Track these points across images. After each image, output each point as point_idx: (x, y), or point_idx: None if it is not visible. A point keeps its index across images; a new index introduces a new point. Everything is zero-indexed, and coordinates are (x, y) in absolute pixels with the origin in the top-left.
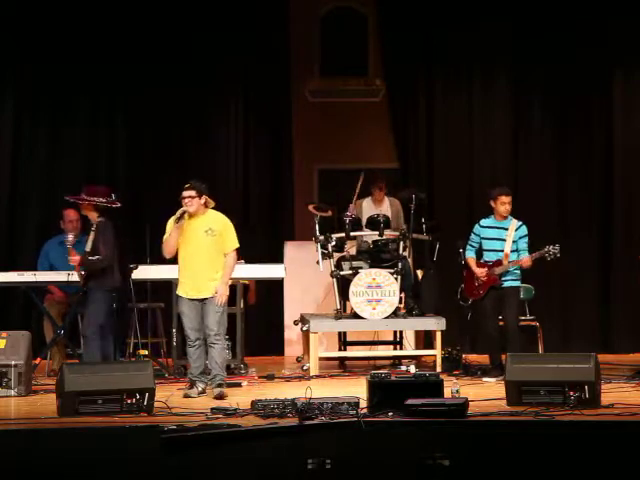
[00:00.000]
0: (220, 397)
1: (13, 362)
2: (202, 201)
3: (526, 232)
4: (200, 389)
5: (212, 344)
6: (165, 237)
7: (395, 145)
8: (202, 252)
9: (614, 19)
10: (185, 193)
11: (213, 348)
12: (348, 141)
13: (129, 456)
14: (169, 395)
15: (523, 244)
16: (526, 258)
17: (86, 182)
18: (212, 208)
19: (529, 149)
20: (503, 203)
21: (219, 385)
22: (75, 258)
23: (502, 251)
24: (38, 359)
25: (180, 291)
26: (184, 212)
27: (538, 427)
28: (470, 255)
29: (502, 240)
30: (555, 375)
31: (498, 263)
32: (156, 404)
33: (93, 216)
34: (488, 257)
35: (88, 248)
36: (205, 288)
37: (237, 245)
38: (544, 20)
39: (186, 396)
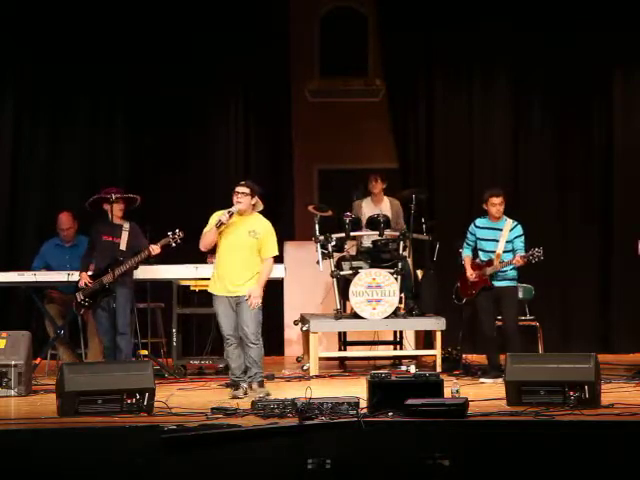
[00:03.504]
0: (267, 395)
1: (13, 362)
2: (253, 201)
3: (521, 232)
4: (244, 389)
5: (250, 345)
6: (205, 230)
7: (395, 145)
8: (242, 252)
9: (614, 19)
10: (239, 189)
11: (250, 349)
12: (348, 141)
13: (129, 456)
14: (169, 395)
15: (519, 243)
16: (518, 257)
17: (105, 184)
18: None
19: (529, 149)
20: (494, 204)
21: (260, 383)
22: (158, 249)
23: (495, 252)
24: (38, 359)
25: (214, 289)
26: (232, 214)
27: (538, 427)
28: (467, 254)
29: (496, 241)
30: (555, 375)
31: (489, 263)
32: (156, 404)
33: (120, 217)
34: (483, 257)
35: (124, 247)
36: (239, 288)
37: (276, 253)
38: (544, 20)
39: (234, 397)
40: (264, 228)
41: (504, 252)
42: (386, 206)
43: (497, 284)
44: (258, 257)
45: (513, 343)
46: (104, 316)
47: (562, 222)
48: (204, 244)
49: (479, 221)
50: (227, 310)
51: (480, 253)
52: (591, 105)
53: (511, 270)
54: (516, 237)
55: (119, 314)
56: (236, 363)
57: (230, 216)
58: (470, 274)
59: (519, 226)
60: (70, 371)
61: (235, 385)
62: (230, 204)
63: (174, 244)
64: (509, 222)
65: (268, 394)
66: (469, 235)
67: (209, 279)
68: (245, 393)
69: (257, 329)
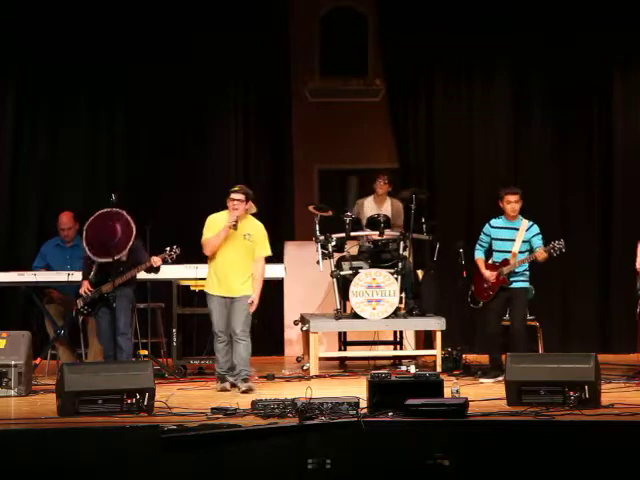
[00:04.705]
0: (248, 391)
1: (13, 362)
2: (247, 206)
3: (538, 230)
4: (229, 384)
5: (238, 340)
6: (207, 237)
7: (395, 145)
8: (238, 255)
9: (614, 19)
10: (235, 196)
11: (239, 344)
12: (348, 141)
13: (129, 456)
14: (169, 395)
15: (538, 241)
16: (541, 250)
17: (105, 185)
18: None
19: (529, 149)
20: (509, 202)
21: (244, 380)
22: (160, 261)
23: (511, 252)
24: (38, 359)
25: (210, 289)
26: (237, 218)
27: (538, 427)
28: (479, 256)
29: (513, 240)
30: (555, 375)
31: (505, 263)
32: (156, 404)
33: None
34: (497, 258)
35: (124, 258)
36: (235, 289)
37: (269, 253)
38: (544, 20)
39: (223, 390)
40: (258, 230)
41: (519, 252)
42: (387, 206)
43: (512, 285)
44: (253, 259)
45: (519, 344)
46: (103, 317)
47: (562, 222)
48: (211, 249)
49: (494, 221)
50: (222, 309)
51: (494, 254)
52: (591, 105)
53: (525, 270)
54: (534, 236)
55: (120, 314)
56: (224, 358)
57: (236, 220)
58: (490, 275)
59: (535, 225)
60: (70, 371)
61: (221, 379)
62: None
63: (170, 261)
64: (525, 222)
65: (251, 389)
66: (483, 236)
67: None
68: (233, 386)
69: (245, 327)
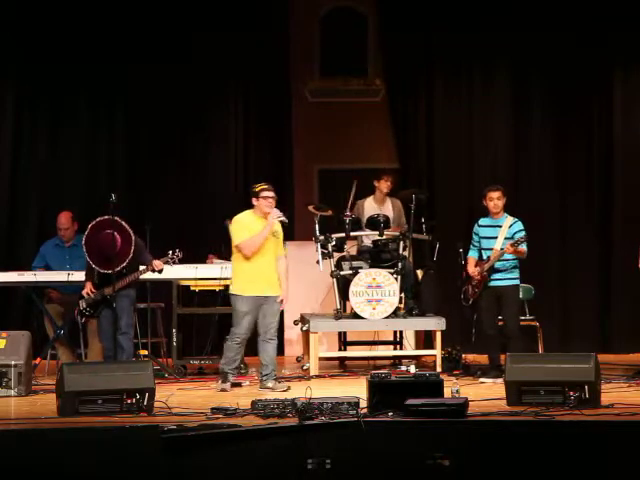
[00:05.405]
0: (288, 389)
1: (13, 362)
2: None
3: (522, 227)
4: (231, 382)
5: (270, 340)
6: (244, 238)
7: (395, 145)
8: (270, 253)
9: (614, 19)
10: (270, 194)
11: (269, 344)
12: (348, 141)
13: (129, 456)
14: (169, 395)
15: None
16: (507, 245)
17: (105, 187)
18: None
19: (529, 149)
20: (491, 199)
21: (278, 380)
22: (161, 265)
23: (493, 249)
24: (38, 359)
25: (241, 290)
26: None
27: (538, 427)
28: (471, 255)
29: (496, 238)
30: (555, 375)
31: (488, 260)
32: (156, 404)
33: None
34: (485, 255)
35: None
36: (273, 286)
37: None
38: (544, 20)
39: (223, 390)
40: (279, 228)
41: (501, 249)
42: (388, 206)
43: (499, 283)
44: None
45: (514, 342)
46: (106, 317)
47: (562, 222)
48: (253, 249)
49: (481, 220)
50: (253, 310)
51: (483, 252)
52: (591, 105)
53: (513, 268)
54: (517, 232)
55: (122, 314)
56: (235, 358)
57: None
58: (472, 272)
59: (519, 222)
60: (70, 371)
61: (224, 377)
62: (232, 204)
63: (172, 264)
64: (509, 219)
65: (289, 388)
66: (474, 236)
67: (209, 279)
68: (233, 386)
69: (277, 327)
